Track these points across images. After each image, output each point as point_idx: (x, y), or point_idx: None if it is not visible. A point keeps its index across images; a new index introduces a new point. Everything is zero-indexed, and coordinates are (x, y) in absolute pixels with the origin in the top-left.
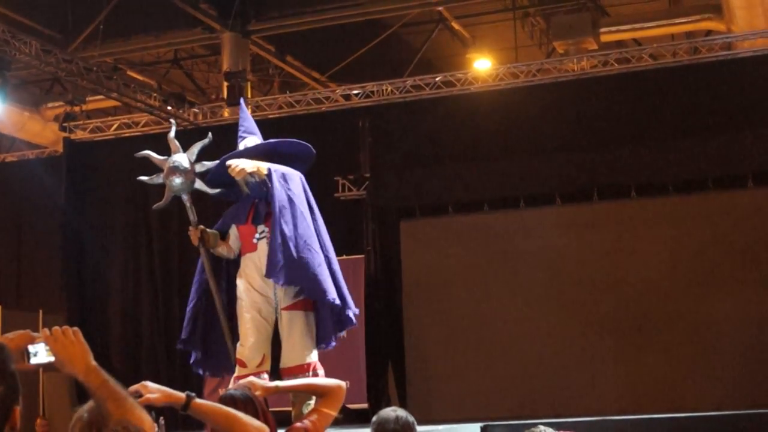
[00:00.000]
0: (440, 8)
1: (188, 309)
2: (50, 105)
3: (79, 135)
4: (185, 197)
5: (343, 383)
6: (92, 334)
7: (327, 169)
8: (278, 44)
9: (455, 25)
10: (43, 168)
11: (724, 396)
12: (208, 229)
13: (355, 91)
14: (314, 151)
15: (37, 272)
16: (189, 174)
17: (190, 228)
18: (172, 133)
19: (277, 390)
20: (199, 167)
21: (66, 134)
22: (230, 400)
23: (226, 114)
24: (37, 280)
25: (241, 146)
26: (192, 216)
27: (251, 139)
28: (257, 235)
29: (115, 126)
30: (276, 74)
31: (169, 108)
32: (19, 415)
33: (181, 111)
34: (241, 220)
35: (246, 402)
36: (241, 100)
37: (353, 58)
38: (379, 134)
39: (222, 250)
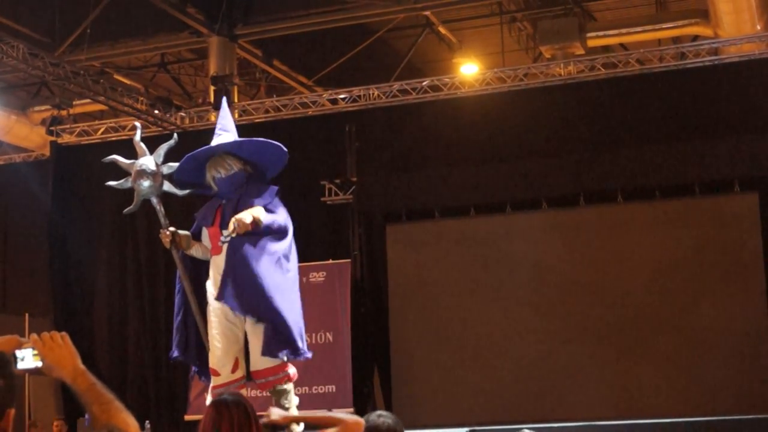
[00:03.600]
0: (427, 13)
1: (176, 318)
2: (37, 109)
3: (66, 139)
4: (154, 200)
5: (361, 420)
6: (78, 338)
7: (313, 174)
8: (265, 48)
9: (442, 30)
10: (30, 172)
11: (710, 401)
12: (179, 231)
13: (342, 96)
14: (285, 150)
15: (24, 276)
16: (157, 177)
17: (161, 231)
18: (137, 137)
19: (296, 420)
20: (166, 169)
21: (53, 138)
22: (223, 406)
23: (212, 118)
24: (23, 284)
25: (215, 142)
26: (162, 219)
27: (225, 136)
28: (222, 239)
29: (102, 130)
30: (263, 78)
31: (156, 112)
32: (12, 418)
33: (167, 115)
34: (209, 222)
35: (238, 407)
36: (224, 99)
37: (340, 63)
38: (365, 138)
39: (196, 252)
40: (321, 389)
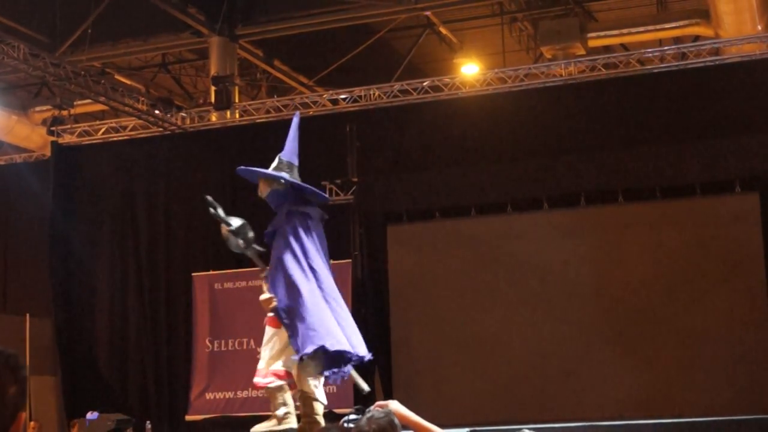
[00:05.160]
0: (428, 13)
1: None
2: (38, 109)
3: (67, 139)
4: (248, 254)
5: None
6: (79, 339)
7: (314, 174)
8: (266, 49)
9: (443, 30)
10: (31, 172)
11: (710, 402)
12: None
13: (343, 96)
14: (327, 197)
15: (24, 276)
16: (229, 238)
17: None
18: (220, 211)
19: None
20: (232, 228)
21: (54, 138)
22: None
23: (213, 118)
24: (24, 284)
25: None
26: (260, 265)
27: (275, 161)
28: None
29: (102, 130)
30: (263, 79)
31: (156, 112)
32: (23, 422)
33: (168, 115)
34: None
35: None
36: (295, 118)
37: (341, 63)
38: (366, 139)
39: None
40: None
